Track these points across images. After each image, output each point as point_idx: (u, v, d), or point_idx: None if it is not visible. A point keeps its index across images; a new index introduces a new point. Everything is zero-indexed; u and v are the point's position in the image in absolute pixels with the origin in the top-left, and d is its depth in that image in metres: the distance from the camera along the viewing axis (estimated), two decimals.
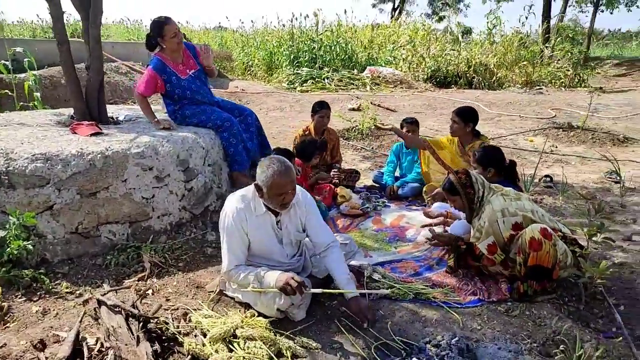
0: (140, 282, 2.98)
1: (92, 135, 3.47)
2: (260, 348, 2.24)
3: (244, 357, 2.19)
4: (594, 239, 2.69)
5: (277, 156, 2.63)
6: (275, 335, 2.40)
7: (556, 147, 6.76)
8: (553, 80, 13.78)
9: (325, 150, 4.24)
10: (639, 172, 5.60)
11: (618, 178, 5.14)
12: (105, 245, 3.22)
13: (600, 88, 13.20)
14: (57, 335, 2.43)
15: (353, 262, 3.08)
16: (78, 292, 2.89)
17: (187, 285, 2.96)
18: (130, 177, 3.25)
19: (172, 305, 2.70)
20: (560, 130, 7.86)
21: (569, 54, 14.41)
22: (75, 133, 3.53)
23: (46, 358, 2.18)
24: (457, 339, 2.42)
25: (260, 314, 2.57)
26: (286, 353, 2.30)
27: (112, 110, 4.64)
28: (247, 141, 4.16)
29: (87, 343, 2.25)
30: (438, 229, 3.57)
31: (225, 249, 2.60)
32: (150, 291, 2.87)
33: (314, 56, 13.49)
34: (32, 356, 2.26)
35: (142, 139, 3.45)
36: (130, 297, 2.74)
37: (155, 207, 3.40)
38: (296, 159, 4.05)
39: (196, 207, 3.67)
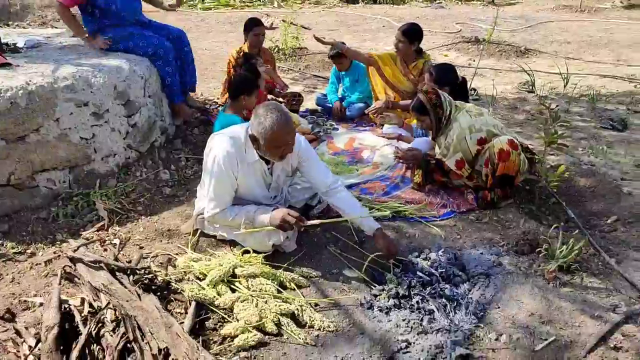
0: (100, 232, 2.68)
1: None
2: (266, 284, 2.19)
3: (251, 295, 2.13)
4: (551, 145, 2.93)
5: (273, 103, 2.39)
6: (275, 269, 2.36)
7: (474, 60, 7.08)
8: None
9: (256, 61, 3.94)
10: (545, 80, 6.12)
11: (532, 88, 5.58)
12: (46, 196, 2.81)
13: (493, 1, 13.86)
14: (26, 301, 2.14)
15: None
16: (29, 250, 2.55)
17: (155, 230, 2.73)
18: (63, 115, 2.80)
19: (150, 253, 2.49)
20: (469, 43, 8.22)
21: None
22: None
23: (26, 328, 1.93)
24: (443, 249, 2.57)
25: (248, 251, 2.49)
26: (290, 285, 2.28)
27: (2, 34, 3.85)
28: (183, 66, 3.73)
29: (69, 305, 2.01)
30: (390, 149, 3.63)
31: (212, 192, 2.40)
32: (117, 241, 2.60)
33: None
34: (4, 329, 1.99)
35: (67, 70, 2.94)
36: (97, 249, 2.48)
37: (97, 148, 3.00)
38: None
39: (142, 145, 3.31)
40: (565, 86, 5.57)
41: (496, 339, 1.99)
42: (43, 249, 2.56)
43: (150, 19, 3.87)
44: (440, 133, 3.06)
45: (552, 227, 2.73)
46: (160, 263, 2.40)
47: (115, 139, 3.09)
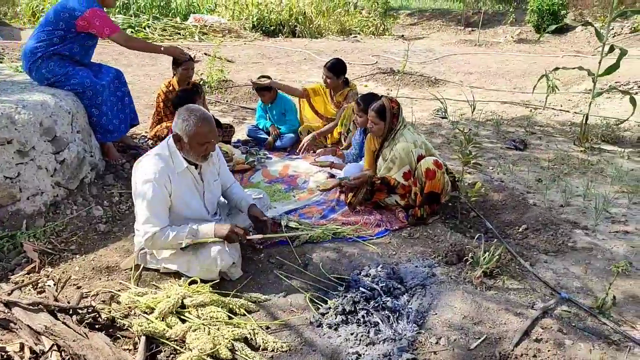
0: (31, 274, 2.54)
1: None
2: (217, 311, 2.21)
3: (202, 324, 2.14)
4: (467, 165, 3.27)
5: (194, 105, 2.50)
6: (223, 297, 2.38)
7: (391, 90, 7.59)
8: (364, 29, 15.04)
9: (201, 94, 3.98)
10: (455, 107, 6.72)
11: (445, 114, 6.11)
12: None
13: (402, 36, 14.96)
14: None
15: (267, 214, 3.14)
16: None
17: (93, 269, 2.64)
18: None
19: (89, 292, 2.40)
20: (386, 74, 8.80)
21: (375, 4, 15.79)
22: None
23: None
24: (381, 265, 2.74)
25: (195, 281, 2.49)
26: (240, 311, 2.31)
27: None
28: (116, 106, 3.67)
29: (6, 352, 1.90)
30: (322, 175, 3.83)
31: (146, 212, 2.37)
32: (52, 282, 2.48)
33: (126, 1, 12.07)
34: None
35: None
36: (31, 292, 2.35)
37: (23, 187, 2.86)
38: None
39: (71, 182, 3.19)
40: (472, 112, 6.15)
41: (436, 343, 2.17)
42: None
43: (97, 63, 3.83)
44: (386, 145, 3.27)
45: (475, 238, 3.03)
46: (103, 301, 2.33)
47: (42, 177, 2.96)
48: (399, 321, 2.33)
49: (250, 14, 13.13)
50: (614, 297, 2.37)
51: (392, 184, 3.24)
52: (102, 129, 3.56)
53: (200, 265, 2.44)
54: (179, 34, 11.14)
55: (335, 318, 2.31)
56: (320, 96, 4.50)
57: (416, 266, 2.77)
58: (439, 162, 3.11)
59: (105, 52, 9.31)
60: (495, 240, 3.04)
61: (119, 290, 2.40)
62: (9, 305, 2.04)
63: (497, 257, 2.60)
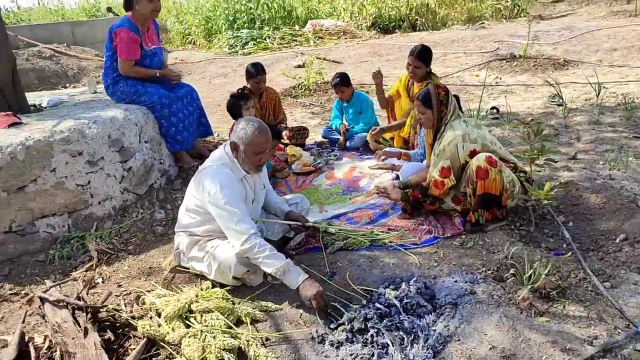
0: (88, 272, 2.83)
1: (9, 126, 3.20)
2: (217, 319, 2.18)
3: (201, 331, 2.13)
4: (536, 162, 2.72)
5: (252, 117, 2.60)
6: (234, 303, 2.35)
7: (500, 78, 6.81)
8: (494, 14, 13.80)
9: (250, 98, 4.08)
10: (580, 92, 5.73)
11: (560, 101, 5.24)
12: (45, 240, 3.03)
13: (539, 16, 13.34)
14: (5, 339, 2.29)
15: (308, 219, 3.03)
16: (23, 292, 2.73)
17: (139, 268, 2.84)
18: (59, 165, 3.03)
19: (125, 291, 2.59)
20: (504, 61, 7.92)
21: None
22: None
23: None
24: (415, 278, 2.43)
25: (217, 284, 2.51)
26: (245, 319, 2.25)
27: (33, 97, 4.30)
28: (187, 119, 3.93)
29: (34, 343, 2.13)
30: (388, 177, 3.54)
31: (236, 218, 2.32)
32: (100, 279, 2.74)
33: (252, 16, 12.94)
34: None
35: (66, 124, 3.21)
36: (78, 289, 2.61)
37: (94, 193, 3.20)
38: None
39: (139, 187, 3.49)
40: (597, 96, 5.19)
41: None
42: (30, 289, 2.74)
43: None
44: (438, 138, 2.92)
45: (542, 250, 2.51)
46: (130, 301, 2.48)
47: (110, 183, 3.29)
48: (415, 344, 2.03)
49: (368, 13, 13.04)
50: None
51: (426, 184, 2.85)
52: (172, 139, 3.83)
53: (217, 268, 2.44)
54: (296, 40, 11.58)
55: (341, 335, 2.10)
56: (401, 92, 4.18)
57: (455, 281, 2.38)
58: (494, 159, 2.64)
59: (228, 65, 10.12)
60: (570, 253, 2.47)
61: (148, 291, 2.53)
62: (42, 300, 2.29)
63: (550, 272, 2.10)
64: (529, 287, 2.09)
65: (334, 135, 4.64)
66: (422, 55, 3.88)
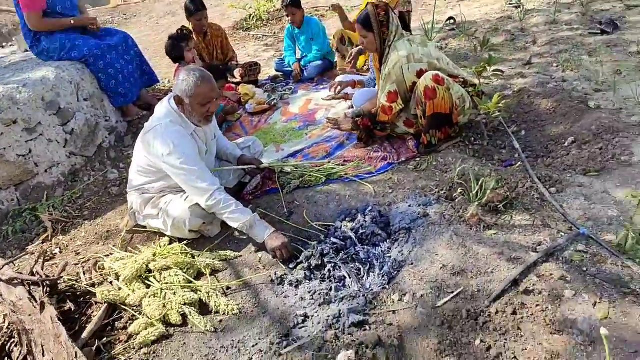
0: (45, 244, 2.79)
1: None
2: (176, 275, 2.19)
3: (161, 289, 2.14)
4: (483, 74, 2.65)
5: (193, 66, 2.43)
6: (194, 257, 2.35)
7: None
8: None
9: (190, 38, 3.85)
10: None
11: (518, 3, 5.06)
12: None
13: None
14: None
15: (263, 161, 2.98)
16: None
17: (97, 233, 2.80)
18: None
19: (83, 258, 2.56)
20: None
21: None
22: None
23: None
24: (370, 208, 2.44)
25: (175, 239, 2.49)
26: (205, 271, 2.26)
27: None
28: (125, 69, 3.68)
29: None
30: (344, 106, 3.45)
31: (195, 176, 2.28)
32: (58, 250, 2.70)
33: None
34: None
35: None
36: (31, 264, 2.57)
37: (38, 162, 3.08)
38: None
39: (86, 149, 3.36)
40: None
41: (399, 300, 1.88)
42: None
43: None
44: (384, 61, 2.82)
45: (495, 163, 2.53)
46: (89, 268, 2.46)
47: (54, 149, 3.15)
48: (371, 273, 2.07)
49: None
50: None
51: (374, 111, 2.79)
52: (113, 92, 3.63)
53: (172, 224, 2.42)
54: None
55: (300, 274, 2.13)
56: None
57: (409, 205, 2.40)
58: (440, 77, 2.55)
59: (155, 8, 9.48)
60: (520, 163, 2.48)
61: (106, 256, 2.51)
62: None
63: (498, 185, 2.11)
64: (477, 203, 2.11)
65: (287, 68, 4.46)
66: None
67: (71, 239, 2.79)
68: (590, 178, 2.30)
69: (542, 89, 3.19)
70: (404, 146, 2.91)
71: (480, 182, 2.14)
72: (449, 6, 5.89)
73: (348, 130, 3.07)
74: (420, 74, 2.65)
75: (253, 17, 6.73)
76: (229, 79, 4.35)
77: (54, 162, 3.15)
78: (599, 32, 4.02)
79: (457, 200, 2.25)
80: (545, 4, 5.07)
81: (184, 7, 4.12)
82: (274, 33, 6.29)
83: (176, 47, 3.62)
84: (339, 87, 3.54)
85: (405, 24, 3.23)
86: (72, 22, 3.47)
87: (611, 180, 2.24)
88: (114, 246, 2.59)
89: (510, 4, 5.31)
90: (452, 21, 5.08)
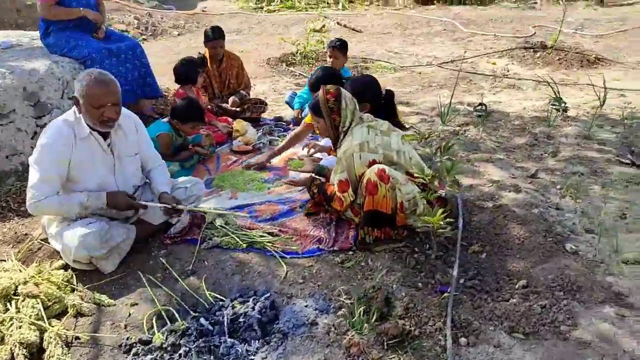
0: None
1: None
2: (33, 307, 2.05)
3: (11, 318, 2.01)
4: (435, 182, 2.35)
5: (97, 69, 2.39)
6: (74, 290, 2.22)
7: (508, 71, 6.18)
8: None
9: (206, 66, 3.81)
10: (591, 97, 5.07)
11: (560, 106, 4.67)
12: None
13: (601, 1, 12.03)
14: None
15: (202, 206, 2.83)
16: None
17: (16, 233, 2.75)
18: None
19: None
20: (531, 50, 7.18)
21: None
22: None
23: None
24: (268, 294, 2.20)
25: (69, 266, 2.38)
26: (70, 310, 2.12)
27: None
28: (123, 77, 3.69)
29: None
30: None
31: (35, 179, 2.25)
32: None
33: None
34: None
35: None
36: None
37: (0, 147, 3.11)
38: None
39: None
40: (601, 105, 4.58)
41: None
42: None
43: (112, 30, 3.97)
44: (338, 146, 2.63)
45: (431, 283, 2.22)
46: None
47: (21, 138, 3.19)
48: None
49: None
50: None
51: (329, 193, 2.55)
52: None
53: (61, 250, 2.31)
54: (325, 1, 11.02)
55: (148, 349, 1.92)
56: None
57: (306, 305, 2.14)
58: (386, 174, 2.29)
59: (247, 21, 9.76)
60: (447, 293, 2.15)
61: (1, 260, 2.44)
62: None
63: (404, 315, 1.81)
64: (369, 330, 1.82)
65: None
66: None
67: None
68: (514, 340, 1.93)
69: (524, 212, 2.82)
70: (344, 234, 2.65)
71: (389, 303, 1.85)
72: (493, 90, 5.56)
73: (303, 184, 2.84)
74: (372, 164, 2.41)
75: (299, 53, 6.73)
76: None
77: (17, 151, 3.19)
78: (629, 162, 3.56)
79: (339, 318, 1.96)
80: (590, 115, 4.62)
81: (204, 32, 4.15)
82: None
83: (191, 69, 3.72)
84: (312, 150, 3.35)
85: (392, 106, 3.01)
86: (82, 10, 3.53)
87: (533, 352, 1.86)
88: (17, 253, 2.52)
89: (553, 105, 4.90)
90: (482, 107, 4.75)
